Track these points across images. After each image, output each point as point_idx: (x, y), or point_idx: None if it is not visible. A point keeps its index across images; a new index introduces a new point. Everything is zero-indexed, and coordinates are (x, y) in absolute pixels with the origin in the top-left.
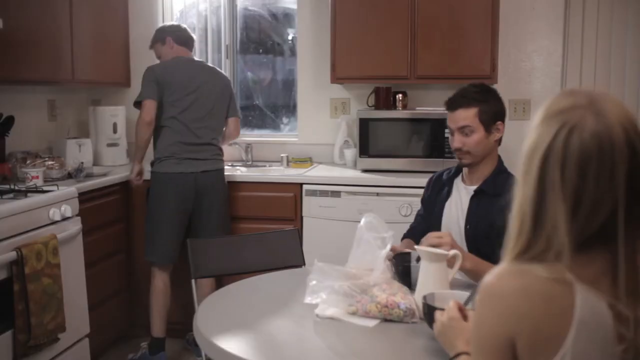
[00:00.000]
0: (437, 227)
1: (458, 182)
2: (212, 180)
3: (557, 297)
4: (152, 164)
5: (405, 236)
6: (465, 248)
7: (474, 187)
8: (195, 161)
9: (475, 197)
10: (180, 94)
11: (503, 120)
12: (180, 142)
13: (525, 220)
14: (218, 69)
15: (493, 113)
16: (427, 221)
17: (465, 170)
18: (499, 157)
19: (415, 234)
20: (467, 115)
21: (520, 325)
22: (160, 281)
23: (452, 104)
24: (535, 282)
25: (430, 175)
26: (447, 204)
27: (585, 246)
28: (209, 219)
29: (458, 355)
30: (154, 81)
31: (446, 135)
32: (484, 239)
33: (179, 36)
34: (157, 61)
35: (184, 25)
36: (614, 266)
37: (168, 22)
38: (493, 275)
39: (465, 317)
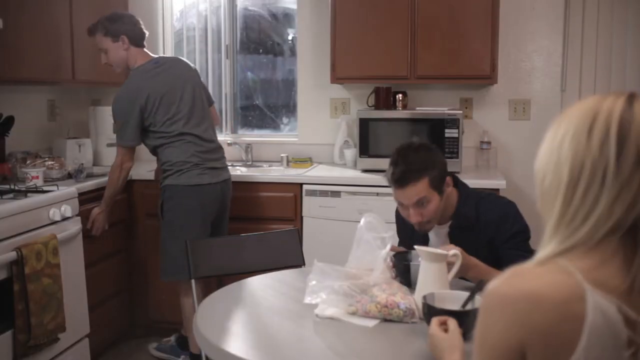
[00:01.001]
0: None
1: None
2: (230, 190)
3: (567, 301)
4: (165, 178)
5: None
6: None
7: (447, 225)
8: (216, 170)
9: (452, 234)
10: (176, 106)
11: (448, 173)
12: (198, 151)
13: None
14: (181, 58)
15: (441, 174)
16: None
17: None
18: (456, 186)
19: None
20: (419, 189)
21: (533, 334)
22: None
23: (401, 181)
24: (546, 285)
25: None
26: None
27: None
28: (224, 229)
29: None
30: (138, 115)
31: (447, 135)
32: None
33: (135, 35)
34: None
35: (136, 18)
36: (627, 260)
37: (118, 10)
38: (499, 279)
39: (446, 330)
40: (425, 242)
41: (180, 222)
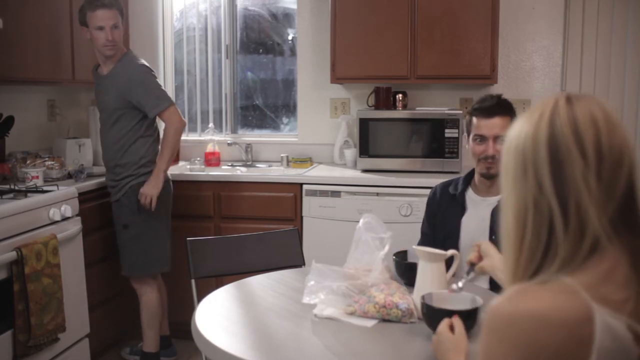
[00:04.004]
0: (454, 244)
1: (471, 196)
2: None
3: (575, 322)
4: (142, 174)
5: None
6: None
7: (495, 198)
8: None
9: (498, 208)
10: None
11: None
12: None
13: (535, 223)
14: None
15: None
16: (437, 239)
17: (479, 182)
18: None
19: None
20: (503, 124)
21: (539, 355)
22: (164, 288)
23: (489, 111)
24: (553, 306)
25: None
26: (465, 220)
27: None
28: None
29: None
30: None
31: (447, 135)
32: None
33: None
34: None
35: None
36: (633, 265)
37: None
38: (502, 298)
39: (453, 331)
40: (461, 214)
41: (160, 216)
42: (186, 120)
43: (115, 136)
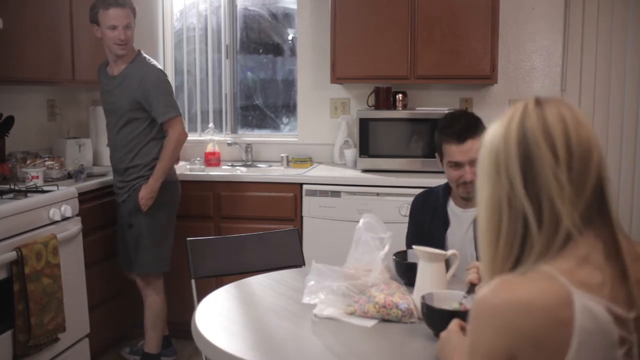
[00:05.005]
0: None
1: (453, 208)
2: None
3: (555, 307)
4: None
5: None
6: None
7: (474, 209)
8: None
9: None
10: None
11: None
12: None
13: (508, 218)
14: None
15: None
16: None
17: (458, 195)
18: None
19: None
20: (477, 147)
21: (522, 342)
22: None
23: (460, 136)
24: (533, 293)
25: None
26: (449, 234)
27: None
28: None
29: None
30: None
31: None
32: None
33: None
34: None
35: None
36: (607, 249)
37: None
38: (487, 289)
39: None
40: (445, 227)
41: (171, 216)
42: (186, 121)
43: (126, 138)
